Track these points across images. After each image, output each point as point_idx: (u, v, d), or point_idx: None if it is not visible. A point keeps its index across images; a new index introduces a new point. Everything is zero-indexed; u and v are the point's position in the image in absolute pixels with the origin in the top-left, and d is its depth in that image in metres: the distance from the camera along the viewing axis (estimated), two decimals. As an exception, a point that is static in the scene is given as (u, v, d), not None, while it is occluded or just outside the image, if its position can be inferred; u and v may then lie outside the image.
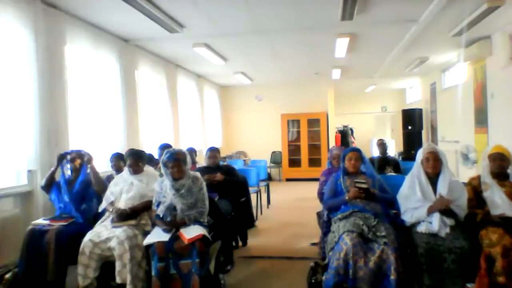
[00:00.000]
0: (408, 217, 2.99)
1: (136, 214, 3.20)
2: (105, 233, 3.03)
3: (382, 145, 5.66)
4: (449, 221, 2.79)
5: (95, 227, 3.18)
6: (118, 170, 3.90)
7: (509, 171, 3.03)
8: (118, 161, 4.02)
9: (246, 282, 3.58)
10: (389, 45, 6.54)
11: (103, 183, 3.54)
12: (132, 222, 3.10)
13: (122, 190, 3.32)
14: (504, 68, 5.66)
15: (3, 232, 3.43)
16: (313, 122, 10.79)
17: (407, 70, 8.78)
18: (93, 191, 3.53)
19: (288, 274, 3.69)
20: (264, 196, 6.78)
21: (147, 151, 4.58)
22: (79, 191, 3.50)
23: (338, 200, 3.21)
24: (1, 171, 3.68)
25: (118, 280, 2.89)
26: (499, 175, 3.01)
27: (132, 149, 3.67)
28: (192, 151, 5.43)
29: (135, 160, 3.40)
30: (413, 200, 2.99)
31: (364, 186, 3.07)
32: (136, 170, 3.39)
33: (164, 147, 4.60)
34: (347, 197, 3.13)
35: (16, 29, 3.69)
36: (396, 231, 2.89)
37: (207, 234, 2.92)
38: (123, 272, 2.89)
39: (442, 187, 2.94)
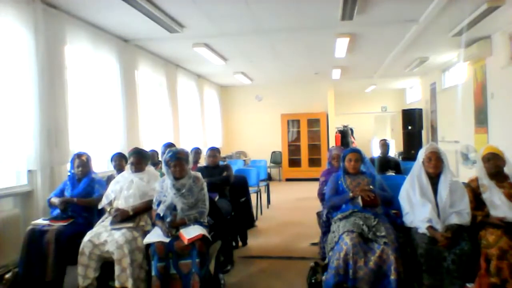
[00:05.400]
0: (408, 221, 2.99)
1: (136, 214, 3.19)
2: (104, 234, 3.02)
3: (385, 145, 5.59)
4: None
5: (94, 227, 3.17)
6: (120, 169, 3.90)
7: (507, 171, 3.03)
8: (121, 160, 4.02)
9: (246, 282, 3.58)
10: (389, 45, 6.54)
11: (94, 204, 3.50)
12: (130, 224, 3.10)
13: (122, 188, 3.32)
14: (504, 68, 5.66)
15: (3, 232, 3.44)
16: (313, 122, 10.79)
17: (407, 70, 8.79)
18: (97, 189, 3.55)
19: (288, 274, 3.69)
20: (264, 196, 6.78)
21: (148, 150, 4.58)
22: (81, 193, 3.50)
23: (341, 197, 3.20)
24: (1, 171, 3.68)
25: (117, 284, 2.89)
26: (497, 175, 3.02)
27: (136, 147, 3.67)
28: (197, 151, 5.44)
29: (139, 158, 3.40)
30: (413, 200, 2.99)
31: (372, 194, 3.06)
32: (139, 168, 3.39)
33: (168, 146, 4.60)
34: (351, 194, 3.12)
35: (16, 29, 3.69)
36: (396, 231, 2.89)
37: (207, 234, 2.92)
38: (122, 276, 2.88)
39: (443, 188, 2.94)
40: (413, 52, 7.08)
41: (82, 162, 3.57)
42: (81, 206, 3.45)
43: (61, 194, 3.54)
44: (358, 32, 5.73)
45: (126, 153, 4.04)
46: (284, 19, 5.08)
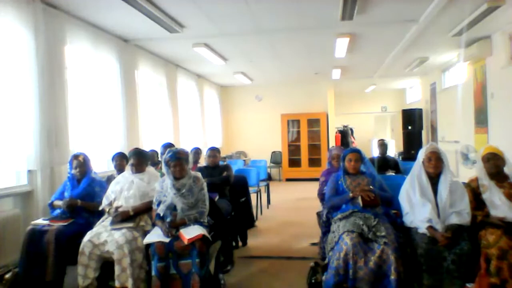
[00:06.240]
0: (408, 221, 2.99)
1: (137, 214, 3.19)
2: (104, 235, 3.03)
3: (383, 145, 5.65)
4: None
5: (94, 227, 3.17)
6: (121, 169, 3.89)
7: (507, 171, 3.03)
8: (122, 160, 4.01)
9: (246, 282, 3.58)
10: (389, 45, 6.54)
11: (95, 207, 3.48)
12: (130, 224, 3.10)
13: (123, 188, 3.32)
14: (504, 68, 5.66)
15: (3, 232, 3.44)
16: (313, 122, 10.79)
17: (407, 70, 8.79)
18: (98, 192, 3.54)
19: (288, 274, 3.69)
20: (264, 196, 6.78)
21: (148, 150, 4.56)
22: (82, 193, 3.50)
23: (341, 197, 3.20)
24: (1, 171, 3.67)
25: (117, 284, 2.89)
26: (497, 175, 3.02)
27: (137, 148, 3.66)
28: (198, 151, 5.44)
29: (139, 159, 3.40)
30: (413, 200, 2.99)
31: (372, 194, 3.06)
32: (139, 169, 3.39)
33: (167, 146, 4.60)
34: (351, 194, 3.12)
35: (16, 29, 3.68)
36: (396, 231, 2.89)
37: (207, 234, 2.92)
38: (122, 276, 2.89)
39: (443, 188, 2.94)
40: (413, 52, 7.08)
41: (80, 162, 3.56)
42: (82, 206, 3.44)
43: (62, 196, 3.53)
44: (358, 32, 5.73)
45: (126, 153, 4.03)
46: (284, 19, 5.08)
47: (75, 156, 3.61)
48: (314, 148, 10.85)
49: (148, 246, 2.92)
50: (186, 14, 4.71)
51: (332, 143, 10.35)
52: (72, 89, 4.39)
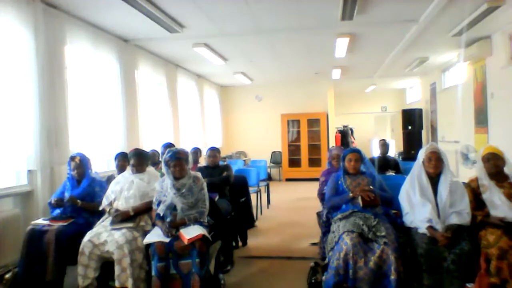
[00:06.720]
0: (408, 221, 2.99)
1: (137, 215, 3.19)
2: (104, 235, 3.03)
3: (384, 145, 5.64)
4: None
5: (94, 227, 3.17)
6: (122, 169, 3.89)
7: (507, 171, 3.04)
8: (124, 160, 4.01)
9: (246, 282, 3.58)
10: (389, 45, 6.54)
11: (95, 207, 3.48)
12: (130, 224, 3.10)
13: (123, 188, 3.32)
14: (504, 68, 5.66)
15: (3, 232, 3.44)
16: (313, 122, 10.79)
17: (407, 70, 8.79)
18: (98, 192, 3.54)
19: (288, 274, 3.69)
20: (264, 196, 6.78)
21: (148, 150, 4.56)
22: (82, 194, 3.49)
23: (341, 197, 3.20)
24: (1, 171, 3.67)
25: (117, 284, 2.89)
26: (497, 175, 3.02)
27: (137, 149, 3.66)
28: (197, 151, 5.44)
29: (139, 160, 3.40)
30: (413, 200, 2.99)
31: (372, 195, 3.06)
32: (139, 170, 3.39)
33: (167, 146, 4.60)
34: (351, 194, 3.12)
35: (16, 29, 3.68)
36: (396, 231, 2.89)
37: (207, 234, 2.92)
38: (122, 276, 2.89)
39: (443, 188, 2.94)
40: (413, 52, 7.08)
41: (77, 164, 3.54)
42: (82, 206, 3.44)
43: (62, 196, 3.53)
44: (358, 32, 5.73)
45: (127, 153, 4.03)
46: (284, 19, 5.08)
47: (72, 158, 3.59)
48: (314, 148, 10.85)
49: (148, 246, 2.92)
50: (186, 14, 4.71)
51: (332, 143, 10.36)
52: (72, 89, 4.39)
